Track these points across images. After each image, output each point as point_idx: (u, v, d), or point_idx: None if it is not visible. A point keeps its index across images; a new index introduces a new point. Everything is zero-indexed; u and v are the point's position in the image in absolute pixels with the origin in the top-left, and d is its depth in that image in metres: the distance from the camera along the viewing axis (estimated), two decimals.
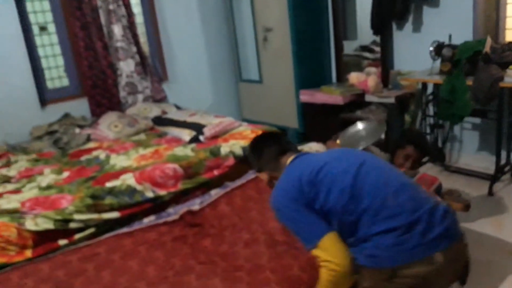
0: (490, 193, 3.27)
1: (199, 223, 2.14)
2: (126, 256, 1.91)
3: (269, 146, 1.68)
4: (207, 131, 3.06)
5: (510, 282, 2.39)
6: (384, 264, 1.33)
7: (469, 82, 3.12)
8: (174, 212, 2.21)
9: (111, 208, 2.36)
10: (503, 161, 3.41)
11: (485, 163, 3.57)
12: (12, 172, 2.83)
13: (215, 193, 2.37)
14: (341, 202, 1.39)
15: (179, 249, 1.94)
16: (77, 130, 3.47)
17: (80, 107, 3.86)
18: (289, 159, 1.61)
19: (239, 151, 2.75)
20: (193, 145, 2.98)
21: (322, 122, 4.16)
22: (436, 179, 2.42)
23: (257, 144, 1.73)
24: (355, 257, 1.39)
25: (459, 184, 2.77)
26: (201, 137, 3.04)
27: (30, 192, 2.47)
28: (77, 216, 2.25)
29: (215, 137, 3.05)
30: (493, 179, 3.32)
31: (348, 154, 1.60)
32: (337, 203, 1.39)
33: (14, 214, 2.22)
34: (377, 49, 4.22)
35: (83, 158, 2.99)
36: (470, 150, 3.80)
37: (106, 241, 2.02)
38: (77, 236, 2.23)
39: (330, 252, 1.37)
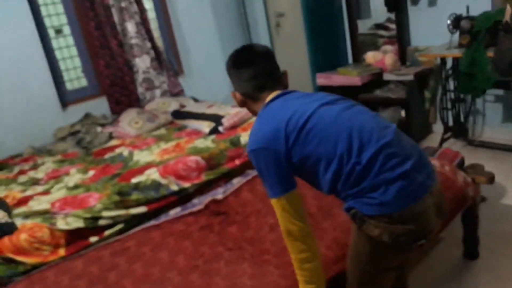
0: None
1: (224, 211, 2.17)
2: (156, 248, 1.95)
3: (250, 67, 1.48)
4: (226, 122, 3.08)
5: None
6: (391, 210, 1.34)
7: (490, 53, 3.04)
8: (198, 203, 2.25)
9: (138, 203, 2.40)
10: None
11: (510, 135, 3.49)
12: (39, 174, 2.90)
13: (237, 181, 2.39)
14: (338, 151, 1.34)
15: (206, 238, 1.97)
16: (99, 129, 3.53)
17: (99, 106, 3.92)
18: (271, 94, 1.47)
19: None
20: (213, 136, 3.00)
21: None
22: (458, 154, 2.40)
23: (239, 59, 1.52)
24: (357, 209, 1.37)
25: (484, 158, 2.73)
26: (220, 128, 3.06)
27: (58, 192, 2.54)
28: (105, 213, 2.30)
29: (233, 127, 3.07)
30: None
31: (336, 99, 1.49)
32: (333, 152, 1.34)
33: (45, 214, 2.28)
34: (392, 26, 4.14)
35: (107, 156, 3.05)
36: (493, 123, 3.73)
37: (135, 235, 2.07)
38: (107, 232, 2.29)
39: (286, 212, 1.40)
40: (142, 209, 2.38)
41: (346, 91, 4.02)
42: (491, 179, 2.23)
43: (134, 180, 2.48)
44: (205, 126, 3.17)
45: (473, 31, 3.19)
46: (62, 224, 2.21)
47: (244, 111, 3.18)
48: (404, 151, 1.37)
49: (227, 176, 2.62)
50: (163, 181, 2.46)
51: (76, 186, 2.60)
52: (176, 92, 4.28)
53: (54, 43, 3.80)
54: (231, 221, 2.09)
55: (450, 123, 3.70)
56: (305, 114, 1.38)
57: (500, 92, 3.58)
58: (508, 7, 3.10)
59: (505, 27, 3.03)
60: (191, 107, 3.74)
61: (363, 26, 4.48)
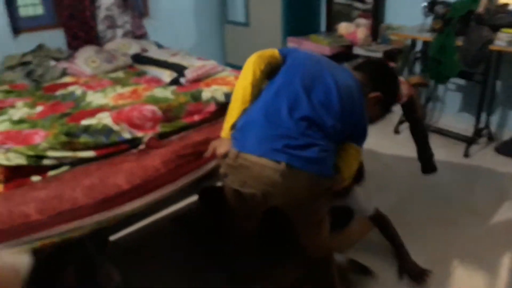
0: (466, 154, 3.33)
1: (164, 145, 2.19)
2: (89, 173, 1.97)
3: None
4: (189, 74, 2.96)
5: (469, 240, 2.49)
6: (235, 145, 1.64)
7: (459, 42, 3.07)
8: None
9: (86, 147, 2.28)
10: (482, 124, 3.45)
11: (464, 125, 3.61)
12: None
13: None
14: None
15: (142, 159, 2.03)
16: (52, 63, 3.31)
17: (55, 38, 3.66)
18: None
19: (221, 97, 2.68)
20: (174, 87, 2.87)
21: None
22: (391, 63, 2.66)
23: None
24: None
25: (436, 144, 2.82)
26: (182, 80, 2.94)
27: (1, 125, 2.37)
28: (50, 153, 2.17)
29: (196, 80, 2.95)
30: (470, 141, 3.37)
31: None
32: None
33: None
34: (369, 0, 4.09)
35: (58, 93, 2.87)
36: (451, 111, 3.83)
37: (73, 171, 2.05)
38: (51, 173, 2.17)
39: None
40: (90, 154, 2.26)
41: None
42: (424, 78, 2.55)
43: (84, 122, 2.34)
44: (166, 75, 3.04)
45: (446, 17, 3.20)
46: (2, 159, 2.06)
47: (209, 65, 3.07)
48: (284, 128, 1.61)
49: (184, 131, 2.53)
50: (115, 127, 2.34)
51: (21, 121, 2.43)
52: (139, 34, 4.07)
53: None
54: (170, 149, 2.13)
55: None
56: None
57: (462, 82, 3.66)
58: None
59: (478, 18, 3.06)
60: (154, 52, 3.56)
61: None
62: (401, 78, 2.37)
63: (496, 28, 3.04)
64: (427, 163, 2.50)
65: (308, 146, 1.59)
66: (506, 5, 3.24)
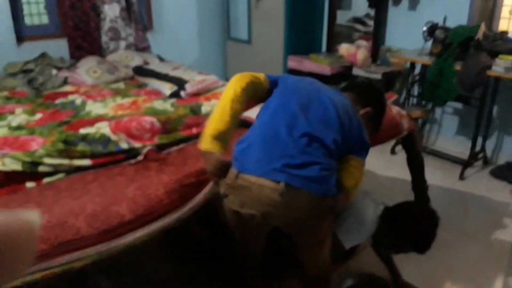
0: (462, 177, 3.34)
1: (163, 158, 2.19)
2: (86, 183, 1.95)
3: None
4: (189, 87, 2.98)
5: (462, 262, 2.48)
6: (235, 166, 1.61)
7: (458, 67, 3.11)
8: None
9: (83, 155, 2.28)
10: (478, 148, 3.46)
11: (461, 148, 3.62)
12: None
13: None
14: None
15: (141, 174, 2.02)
16: (54, 72, 3.34)
17: (58, 48, 3.70)
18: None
19: None
20: (173, 100, 2.90)
21: None
22: (393, 96, 2.60)
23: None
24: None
25: (433, 166, 2.82)
26: (182, 93, 2.97)
27: None
28: (47, 160, 2.18)
29: (196, 94, 2.98)
30: (466, 164, 3.38)
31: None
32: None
33: None
34: (370, 22, 4.15)
35: (58, 101, 2.89)
36: (447, 134, 3.85)
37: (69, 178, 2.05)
38: (46, 180, 2.16)
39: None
40: (86, 162, 2.26)
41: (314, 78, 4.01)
42: (426, 112, 2.50)
43: (83, 131, 2.35)
44: (167, 88, 3.06)
45: (445, 42, 3.24)
46: None
47: (209, 80, 3.09)
48: (283, 148, 1.59)
49: (182, 143, 2.54)
50: (113, 137, 2.35)
51: (19, 127, 2.45)
52: (142, 47, 4.12)
53: None
54: (169, 163, 2.12)
55: None
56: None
57: (459, 105, 3.69)
58: (482, 25, 3.17)
59: (476, 44, 3.10)
60: (155, 65, 3.60)
61: (342, 17, 4.47)
62: (403, 112, 2.37)
63: (494, 54, 3.08)
64: (421, 194, 2.50)
65: (309, 165, 1.56)
66: (504, 32, 3.29)
